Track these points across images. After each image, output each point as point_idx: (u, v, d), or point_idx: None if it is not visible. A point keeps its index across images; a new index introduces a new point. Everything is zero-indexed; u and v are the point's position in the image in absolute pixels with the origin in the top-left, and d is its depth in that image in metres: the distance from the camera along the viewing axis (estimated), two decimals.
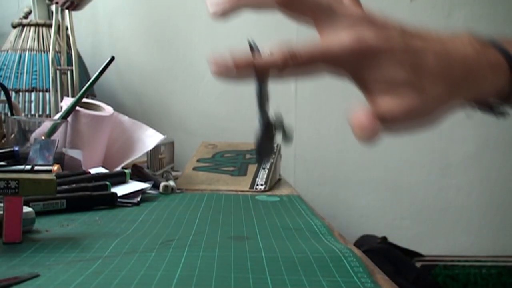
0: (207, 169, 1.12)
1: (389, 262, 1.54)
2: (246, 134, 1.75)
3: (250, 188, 1.01)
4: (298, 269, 0.43)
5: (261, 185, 1.03)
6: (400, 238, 1.76)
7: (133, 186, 0.85)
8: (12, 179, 0.48)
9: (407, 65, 0.43)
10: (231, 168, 1.12)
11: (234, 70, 0.47)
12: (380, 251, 1.56)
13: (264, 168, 1.10)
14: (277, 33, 1.77)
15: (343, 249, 0.49)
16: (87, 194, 0.73)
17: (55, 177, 0.48)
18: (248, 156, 1.18)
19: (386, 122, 0.43)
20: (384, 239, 1.65)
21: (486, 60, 0.47)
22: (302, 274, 0.41)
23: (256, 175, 1.08)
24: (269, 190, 1.02)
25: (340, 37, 0.44)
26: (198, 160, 1.16)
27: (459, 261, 1.70)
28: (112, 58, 1.04)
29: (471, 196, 1.81)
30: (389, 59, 0.43)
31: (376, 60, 0.43)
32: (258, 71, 0.47)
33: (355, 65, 0.44)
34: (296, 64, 0.45)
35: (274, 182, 1.11)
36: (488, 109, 0.51)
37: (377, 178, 1.80)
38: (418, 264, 1.65)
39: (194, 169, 1.12)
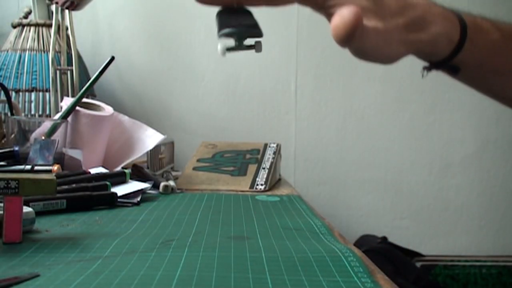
0: (207, 169, 1.12)
1: (389, 262, 1.54)
2: (246, 134, 1.76)
3: (250, 188, 1.01)
4: (298, 269, 0.43)
5: (261, 185, 1.03)
6: (400, 238, 1.76)
7: (133, 186, 0.85)
8: (12, 179, 0.48)
9: None
10: (231, 168, 1.12)
11: None
12: (380, 251, 1.56)
13: (264, 168, 1.10)
14: (276, 32, 1.77)
15: (343, 249, 0.49)
16: (87, 194, 0.73)
17: (55, 177, 0.48)
18: (248, 156, 1.18)
19: (362, 32, 0.47)
20: (384, 239, 1.65)
21: (438, 11, 0.53)
22: (302, 274, 0.41)
23: (256, 175, 1.08)
24: (269, 190, 1.02)
25: None
26: (198, 160, 1.16)
27: (459, 261, 1.70)
28: (112, 58, 1.04)
29: (471, 196, 1.81)
30: None
31: None
32: None
33: None
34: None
35: (274, 182, 1.11)
36: (441, 63, 0.56)
37: (377, 178, 1.80)
38: (418, 264, 1.65)
39: (194, 169, 1.12)
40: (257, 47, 0.48)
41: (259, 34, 0.49)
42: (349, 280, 0.40)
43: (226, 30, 0.47)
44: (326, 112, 1.78)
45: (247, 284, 0.39)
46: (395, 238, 1.69)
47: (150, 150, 1.06)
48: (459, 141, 1.79)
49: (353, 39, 0.47)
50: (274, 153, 1.17)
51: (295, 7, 1.82)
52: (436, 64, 0.57)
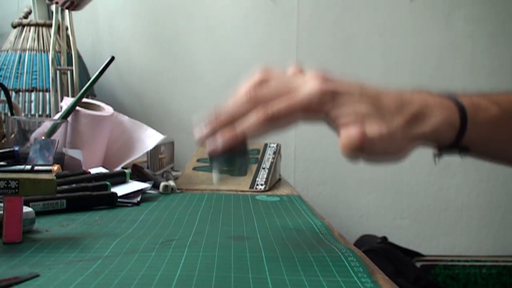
0: (207, 169, 1.12)
1: (389, 262, 1.54)
2: None
3: (250, 188, 1.01)
4: (298, 269, 0.43)
5: (261, 185, 1.03)
6: (400, 238, 1.76)
7: (133, 186, 0.85)
8: (12, 179, 0.48)
9: (368, 103, 0.52)
10: (231, 168, 1.11)
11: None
12: (380, 251, 1.56)
13: (264, 168, 1.10)
14: (276, 32, 1.77)
15: (343, 249, 0.49)
16: (87, 194, 0.73)
17: (55, 177, 0.48)
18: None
19: (368, 144, 0.50)
20: (384, 239, 1.65)
21: (435, 101, 0.56)
22: (302, 274, 0.41)
23: (256, 175, 1.08)
24: (269, 190, 1.03)
25: (307, 86, 0.51)
26: (198, 160, 1.16)
27: (459, 261, 1.70)
28: (112, 58, 1.04)
29: (471, 196, 1.81)
30: (351, 98, 0.52)
31: (340, 99, 0.51)
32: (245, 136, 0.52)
33: (325, 106, 0.51)
34: (278, 119, 0.51)
35: (274, 182, 1.11)
36: (450, 148, 0.58)
37: (377, 178, 1.80)
38: (418, 264, 1.65)
39: (194, 169, 1.12)
40: (244, 168, 0.52)
41: (246, 171, 0.52)
42: (349, 280, 0.40)
43: (221, 170, 0.52)
44: None
45: (247, 284, 0.39)
46: (395, 238, 1.69)
47: (150, 150, 1.06)
48: None
49: (361, 153, 0.50)
50: (274, 153, 1.17)
51: (295, 8, 1.82)
52: (445, 149, 0.59)
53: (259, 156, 1.16)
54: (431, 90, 0.58)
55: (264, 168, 1.10)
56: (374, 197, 1.80)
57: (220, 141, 0.51)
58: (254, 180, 1.06)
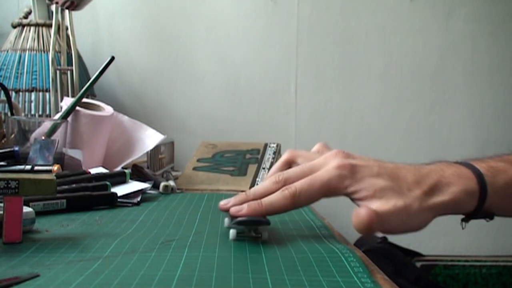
0: (207, 169, 1.12)
1: (389, 262, 1.54)
2: (246, 134, 1.76)
3: (250, 188, 1.00)
4: (298, 269, 0.43)
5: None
6: (400, 238, 1.76)
7: (133, 186, 0.85)
8: (12, 179, 0.48)
9: (386, 176, 0.56)
10: (231, 168, 1.12)
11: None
12: (380, 251, 1.56)
13: (264, 168, 1.11)
14: (276, 33, 1.77)
15: (343, 249, 0.49)
16: (87, 194, 0.73)
17: (55, 177, 0.48)
18: (248, 156, 1.18)
19: (379, 218, 0.53)
20: (384, 239, 1.65)
21: (452, 172, 0.58)
22: (302, 274, 0.41)
23: (256, 175, 1.08)
24: None
25: (328, 165, 0.57)
26: (198, 160, 1.16)
27: (459, 261, 1.70)
28: (112, 58, 1.04)
29: None
30: (369, 172, 0.56)
31: (358, 173, 0.56)
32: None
33: (345, 182, 0.56)
34: (300, 197, 0.56)
35: None
36: (474, 214, 0.60)
37: None
38: (418, 264, 1.65)
39: (194, 169, 1.12)
40: (263, 235, 0.54)
41: (267, 224, 0.54)
42: (349, 280, 0.40)
43: (239, 226, 0.54)
44: (326, 112, 1.78)
45: (247, 284, 0.39)
46: (395, 238, 1.69)
47: (151, 150, 1.06)
48: (459, 141, 1.79)
49: (373, 230, 0.53)
50: (274, 153, 1.18)
51: (295, 7, 1.81)
52: (469, 215, 0.60)
53: (259, 156, 1.17)
54: (447, 160, 0.61)
55: (264, 168, 1.11)
56: None
57: (245, 209, 0.55)
58: (254, 180, 1.06)
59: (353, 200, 0.58)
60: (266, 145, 1.22)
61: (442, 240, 1.81)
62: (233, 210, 0.55)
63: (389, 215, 0.53)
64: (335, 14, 1.78)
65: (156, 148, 1.10)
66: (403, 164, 0.59)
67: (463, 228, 0.64)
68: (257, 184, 1.03)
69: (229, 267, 0.43)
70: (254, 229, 0.55)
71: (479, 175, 0.58)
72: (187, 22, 1.77)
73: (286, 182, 0.57)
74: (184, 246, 0.50)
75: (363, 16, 1.78)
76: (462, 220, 0.63)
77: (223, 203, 0.58)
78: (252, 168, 1.11)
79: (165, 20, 1.77)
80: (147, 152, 1.06)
